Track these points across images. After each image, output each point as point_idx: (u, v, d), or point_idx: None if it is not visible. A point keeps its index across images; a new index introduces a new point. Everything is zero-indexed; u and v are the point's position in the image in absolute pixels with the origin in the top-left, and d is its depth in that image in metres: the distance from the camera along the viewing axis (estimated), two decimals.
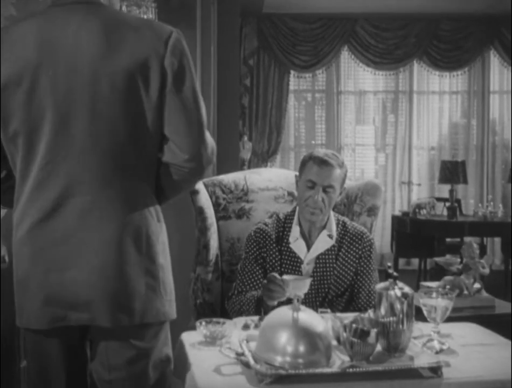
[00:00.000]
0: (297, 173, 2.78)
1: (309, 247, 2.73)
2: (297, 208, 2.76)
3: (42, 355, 1.92)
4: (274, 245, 2.74)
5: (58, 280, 1.80)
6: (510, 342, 2.21)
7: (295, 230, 2.73)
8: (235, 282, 2.80)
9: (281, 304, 2.34)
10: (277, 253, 2.73)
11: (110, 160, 1.79)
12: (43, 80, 1.77)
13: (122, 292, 1.80)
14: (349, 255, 2.74)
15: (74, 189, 1.78)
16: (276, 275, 2.42)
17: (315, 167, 2.66)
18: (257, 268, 2.73)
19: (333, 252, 2.73)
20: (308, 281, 2.08)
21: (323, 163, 2.65)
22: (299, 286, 2.04)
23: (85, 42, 1.77)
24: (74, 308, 1.80)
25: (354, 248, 2.75)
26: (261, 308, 2.48)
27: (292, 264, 2.71)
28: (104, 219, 1.79)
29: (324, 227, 2.74)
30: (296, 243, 2.72)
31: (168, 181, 1.91)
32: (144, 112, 1.79)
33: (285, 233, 2.76)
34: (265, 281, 2.45)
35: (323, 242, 2.73)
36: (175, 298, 1.95)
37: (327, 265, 2.72)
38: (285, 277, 2.16)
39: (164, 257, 1.90)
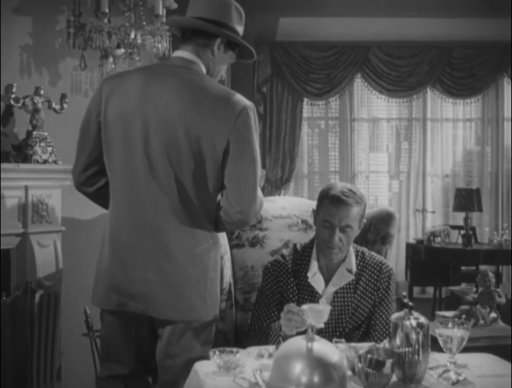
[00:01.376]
0: (314, 208, 2.72)
1: (327, 281, 2.68)
2: (315, 241, 2.72)
3: (110, 328, 2.43)
4: (292, 279, 2.70)
5: (125, 275, 2.32)
6: None
7: (313, 265, 2.68)
8: (251, 314, 2.77)
9: (300, 334, 2.32)
10: (294, 287, 2.69)
11: (178, 196, 2.27)
12: (137, 123, 2.27)
13: (175, 294, 2.30)
14: (368, 287, 2.69)
15: (149, 214, 2.29)
16: (294, 305, 2.37)
17: (332, 207, 2.59)
18: (274, 303, 2.69)
19: (351, 285, 2.69)
20: (328, 309, 2.06)
21: (340, 202, 2.58)
22: (318, 314, 2.03)
23: (175, 105, 2.24)
24: (133, 299, 2.31)
25: (373, 280, 2.70)
26: (279, 339, 2.41)
27: (310, 299, 2.65)
28: (169, 240, 2.29)
29: (343, 261, 2.69)
30: (314, 278, 2.68)
31: (218, 218, 2.35)
32: (207, 167, 2.25)
33: (302, 266, 2.71)
34: (282, 313, 2.38)
35: (342, 277, 2.68)
36: None
37: (346, 299, 2.68)
38: (304, 306, 2.13)
39: (213, 271, 2.38)
